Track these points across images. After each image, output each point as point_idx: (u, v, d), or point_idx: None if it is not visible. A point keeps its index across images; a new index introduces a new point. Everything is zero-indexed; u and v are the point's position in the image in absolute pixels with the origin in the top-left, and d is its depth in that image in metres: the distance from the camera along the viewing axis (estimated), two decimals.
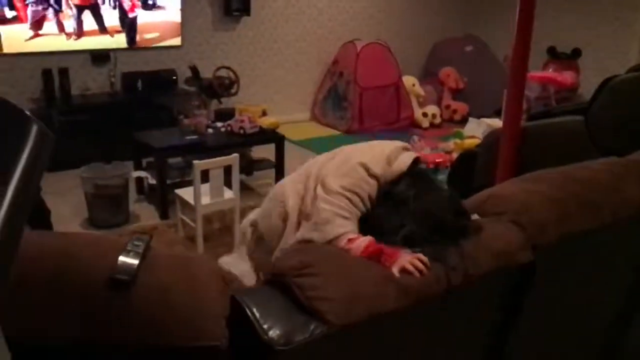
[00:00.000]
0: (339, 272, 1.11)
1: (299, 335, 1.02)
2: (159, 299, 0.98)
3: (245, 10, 5.60)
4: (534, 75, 5.31)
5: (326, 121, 6.13)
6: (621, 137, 2.48)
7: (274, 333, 1.01)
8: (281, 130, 5.41)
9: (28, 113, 0.78)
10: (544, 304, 1.46)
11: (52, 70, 4.56)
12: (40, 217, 3.24)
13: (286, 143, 5.33)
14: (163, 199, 3.66)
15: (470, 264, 1.22)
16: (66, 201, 3.76)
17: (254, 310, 1.05)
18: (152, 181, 3.81)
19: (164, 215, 3.67)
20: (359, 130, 5.83)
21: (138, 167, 4.05)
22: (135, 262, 1.01)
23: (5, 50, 4.42)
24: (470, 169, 3.34)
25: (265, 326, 1.02)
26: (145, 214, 3.78)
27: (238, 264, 1.77)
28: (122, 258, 1.01)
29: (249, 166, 4.35)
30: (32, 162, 0.76)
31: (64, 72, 4.61)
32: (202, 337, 0.97)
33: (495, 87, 5.59)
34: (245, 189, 4.27)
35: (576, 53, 6.08)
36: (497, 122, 4.75)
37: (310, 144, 5.47)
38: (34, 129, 0.79)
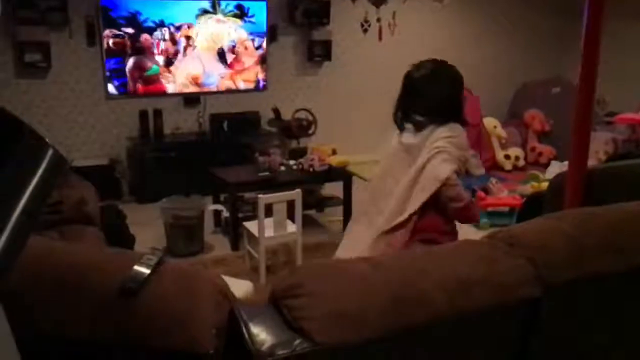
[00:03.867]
0: (325, 290, 1.17)
1: (283, 350, 1.09)
2: (160, 306, 1.11)
3: (327, 55, 5.87)
4: (622, 118, 5.05)
5: None
6: None
7: (260, 345, 1.10)
8: (357, 169, 5.52)
9: (44, 137, 0.93)
10: (554, 346, 1.41)
11: (148, 111, 5.05)
12: (124, 243, 3.58)
13: (361, 182, 5.46)
14: (235, 231, 3.88)
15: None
16: (149, 230, 4.10)
17: (247, 323, 1.15)
18: (227, 214, 4.05)
19: (234, 246, 3.88)
20: None
21: (216, 201, 4.33)
22: (146, 272, 1.15)
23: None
24: (538, 212, 3.25)
25: (253, 338, 1.11)
26: (219, 244, 4.01)
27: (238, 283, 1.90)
28: (136, 267, 1.16)
29: (319, 203, 4.49)
30: (44, 181, 0.92)
31: (158, 113, 5.08)
32: (194, 345, 1.08)
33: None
34: (314, 224, 4.40)
35: None
36: None
37: None
38: (49, 153, 0.95)
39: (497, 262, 1.35)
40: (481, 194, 4.49)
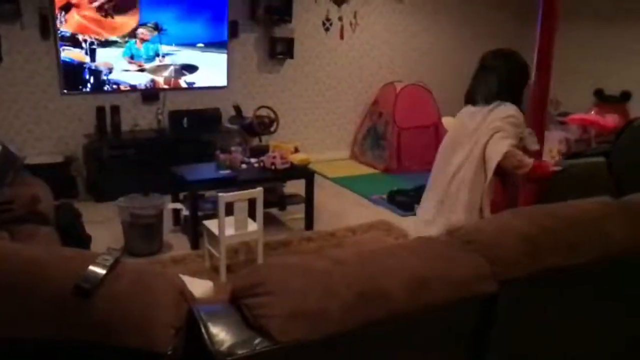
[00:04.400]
0: (287, 289, 1.17)
1: (243, 349, 1.09)
2: (116, 306, 1.09)
3: (289, 53, 5.86)
4: (574, 118, 5.24)
5: (365, 160, 6.23)
6: (637, 177, 2.43)
7: (219, 344, 1.09)
8: (320, 167, 5.54)
9: None
10: (511, 341, 1.45)
11: (105, 107, 4.92)
12: (80, 243, 3.48)
13: (323, 180, 5.48)
14: (194, 230, 3.83)
15: None
16: (106, 230, 4.00)
17: (206, 322, 1.13)
18: (187, 213, 4.00)
19: (194, 245, 3.83)
20: (396, 169, 5.88)
21: (175, 199, 4.26)
22: (102, 272, 1.12)
23: None
24: None
25: (212, 337, 1.10)
26: (178, 244, 3.95)
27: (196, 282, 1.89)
28: (91, 268, 1.13)
29: (281, 201, 4.48)
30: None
31: (115, 110, 4.96)
32: (150, 344, 1.06)
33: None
34: (276, 223, 4.39)
35: (625, 96, 5.93)
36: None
37: (347, 181, 5.56)
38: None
39: (455, 259, 1.38)
40: None
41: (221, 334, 1.12)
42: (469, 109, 2.78)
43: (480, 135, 2.62)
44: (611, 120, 5.19)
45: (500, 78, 2.65)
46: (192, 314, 1.17)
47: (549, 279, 1.43)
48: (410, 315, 1.26)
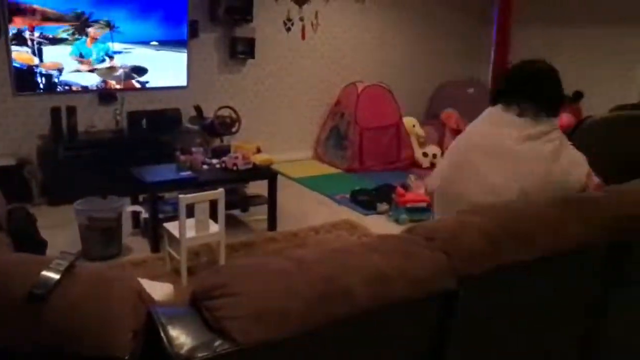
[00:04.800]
0: (248, 290, 1.16)
1: (203, 352, 1.07)
2: (72, 312, 1.06)
3: (250, 53, 5.82)
4: None
5: (327, 160, 6.24)
6: None
7: (178, 348, 1.07)
8: (282, 167, 5.53)
9: None
10: (474, 334, 1.48)
11: (61, 108, 4.78)
12: (35, 248, 3.37)
13: (286, 180, 5.47)
14: (154, 232, 3.76)
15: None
16: (63, 234, 3.88)
17: (165, 325, 1.11)
18: (146, 215, 3.92)
19: (154, 248, 3.76)
20: (359, 169, 5.92)
21: (135, 201, 4.17)
22: (55, 277, 1.09)
23: None
24: None
25: (172, 341, 1.08)
26: (138, 247, 3.87)
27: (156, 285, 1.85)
28: (44, 273, 1.09)
29: (244, 202, 4.44)
30: None
31: (71, 111, 4.82)
32: (108, 349, 1.03)
33: None
34: (238, 224, 4.35)
35: (578, 96, 6.14)
36: None
37: (310, 181, 5.56)
38: None
39: (416, 255, 1.40)
40: (400, 190, 4.62)
41: (181, 336, 1.10)
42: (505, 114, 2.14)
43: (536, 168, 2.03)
44: (565, 119, 5.35)
45: (551, 92, 2.14)
46: (151, 317, 1.14)
47: (506, 273, 1.46)
48: (372, 312, 1.27)
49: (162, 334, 1.10)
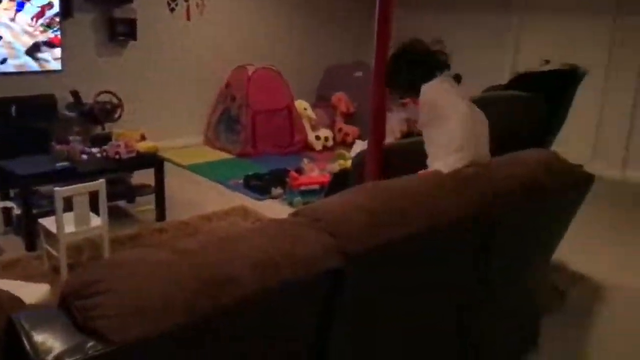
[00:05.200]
0: (124, 286, 1.09)
1: (73, 356, 0.99)
2: None
3: (132, 34, 5.50)
4: (414, 99, 5.60)
5: (219, 145, 6.11)
6: None
7: (45, 354, 0.98)
8: (172, 154, 5.33)
9: None
10: (362, 311, 1.51)
11: None
12: None
13: (175, 168, 5.28)
14: (29, 229, 3.46)
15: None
16: None
17: (29, 331, 1.01)
18: (19, 211, 3.59)
19: (30, 246, 3.46)
20: (252, 153, 5.85)
21: (5, 197, 3.81)
22: None
23: None
24: (343, 187, 3.46)
25: (36, 347, 0.99)
26: (11, 246, 3.54)
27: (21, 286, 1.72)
28: None
29: (129, 192, 4.22)
30: None
31: None
32: None
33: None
34: (124, 216, 4.13)
35: (457, 78, 6.50)
36: None
37: (202, 168, 5.41)
38: None
39: (302, 237, 1.39)
40: (293, 173, 4.63)
41: (47, 341, 1.01)
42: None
43: None
44: None
45: None
46: (13, 324, 1.04)
47: (389, 250, 1.49)
48: (260, 298, 1.24)
49: (24, 341, 1.00)
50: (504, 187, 1.91)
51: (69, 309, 1.08)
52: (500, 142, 2.34)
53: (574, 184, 2.10)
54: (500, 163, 2.05)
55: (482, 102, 2.56)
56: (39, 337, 1.02)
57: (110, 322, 1.02)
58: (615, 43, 5.29)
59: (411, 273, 1.64)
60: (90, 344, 1.00)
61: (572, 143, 3.49)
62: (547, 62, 3.09)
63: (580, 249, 2.48)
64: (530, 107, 2.67)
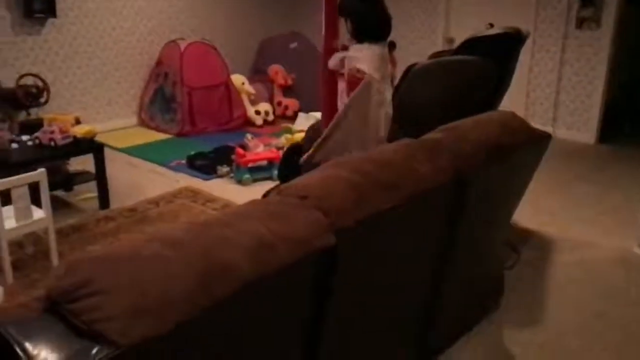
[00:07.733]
0: (119, 283, 1.01)
1: None
2: None
3: (50, 11, 5.10)
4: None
5: (155, 125, 5.86)
6: (420, 120, 2.68)
7: None
8: (105, 138, 5.04)
9: None
10: (353, 285, 1.49)
11: None
12: None
13: (111, 152, 5.02)
14: None
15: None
16: None
17: (21, 341, 0.92)
18: None
19: None
20: (191, 132, 5.66)
21: None
22: None
23: None
24: (297, 160, 3.42)
25: (32, 358, 0.89)
26: None
27: None
28: None
29: (67, 180, 3.97)
30: None
31: None
32: None
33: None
34: (65, 206, 3.89)
35: (391, 45, 6.55)
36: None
37: (138, 150, 5.18)
38: None
39: (294, 216, 1.35)
40: (240, 150, 4.52)
41: (43, 351, 0.92)
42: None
43: None
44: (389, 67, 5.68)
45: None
46: (0, 334, 0.93)
47: (376, 222, 1.48)
48: (258, 283, 1.19)
49: (19, 353, 0.90)
50: (471, 149, 1.94)
51: (61, 314, 0.99)
52: (459, 104, 2.37)
53: (534, 143, 2.17)
54: (465, 126, 2.07)
55: (438, 67, 2.58)
56: (32, 347, 0.92)
57: (114, 324, 0.95)
58: (540, 3, 5.48)
59: (394, 243, 1.64)
60: (95, 349, 0.92)
61: (506, 104, 3.62)
62: (492, 25, 3.14)
63: (524, 203, 2.63)
64: (482, 70, 2.71)
